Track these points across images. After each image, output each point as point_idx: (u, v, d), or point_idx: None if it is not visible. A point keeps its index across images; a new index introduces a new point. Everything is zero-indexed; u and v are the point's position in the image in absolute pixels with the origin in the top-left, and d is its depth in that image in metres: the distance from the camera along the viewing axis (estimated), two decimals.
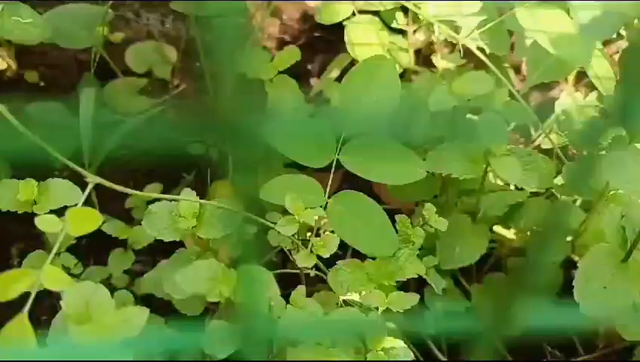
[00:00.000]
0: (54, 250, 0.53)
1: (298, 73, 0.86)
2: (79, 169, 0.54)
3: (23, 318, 0.47)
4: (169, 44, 1.13)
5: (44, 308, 0.89)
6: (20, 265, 0.89)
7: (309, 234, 0.71)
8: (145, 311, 0.43)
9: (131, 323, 0.43)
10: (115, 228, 0.81)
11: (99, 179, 0.54)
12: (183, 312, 0.74)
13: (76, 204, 0.58)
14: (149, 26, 1.16)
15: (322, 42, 1.18)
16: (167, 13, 1.18)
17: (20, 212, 0.64)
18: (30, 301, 0.50)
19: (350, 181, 0.87)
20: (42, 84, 1.08)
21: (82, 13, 0.96)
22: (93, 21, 0.95)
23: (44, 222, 0.51)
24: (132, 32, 1.15)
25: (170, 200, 0.65)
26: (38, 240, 0.94)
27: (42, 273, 0.48)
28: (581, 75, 1.04)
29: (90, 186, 0.56)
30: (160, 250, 0.83)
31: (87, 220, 0.49)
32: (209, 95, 0.99)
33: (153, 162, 1.10)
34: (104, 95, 1.01)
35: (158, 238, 0.68)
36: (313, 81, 1.13)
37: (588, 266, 0.62)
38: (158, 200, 0.66)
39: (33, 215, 0.59)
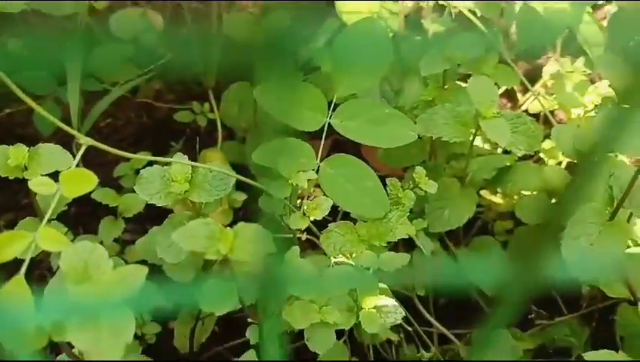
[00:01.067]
0: (48, 214, 0.53)
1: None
2: (71, 130, 0.53)
3: (19, 280, 0.47)
4: (154, 10, 1.11)
5: (34, 277, 0.89)
6: None
7: (299, 201, 0.71)
8: (143, 269, 0.43)
9: (130, 281, 0.43)
10: (105, 195, 0.80)
11: (91, 141, 0.54)
12: (174, 279, 0.74)
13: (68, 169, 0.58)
14: None
15: (309, 9, 1.17)
16: None
17: (10, 178, 0.63)
18: (25, 264, 0.50)
19: (339, 149, 0.87)
20: (26, 53, 1.06)
21: None
22: None
23: (39, 184, 0.51)
24: None
25: (163, 165, 0.65)
26: (26, 211, 0.93)
27: (38, 234, 0.48)
28: (568, 43, 1.04)
29: (82, 149, 0.55)
30: (149, 218, 0.83)
31: (81, 181, 0.49)
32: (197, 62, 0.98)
33: (141, 130, 1.09)
34: (89, 63, 1.00)
35: (148, 205, 0.67)
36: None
37: (575, 224, 0.63)
38: (151, 164, 0.66)
39: (21, 186, 0.58)
